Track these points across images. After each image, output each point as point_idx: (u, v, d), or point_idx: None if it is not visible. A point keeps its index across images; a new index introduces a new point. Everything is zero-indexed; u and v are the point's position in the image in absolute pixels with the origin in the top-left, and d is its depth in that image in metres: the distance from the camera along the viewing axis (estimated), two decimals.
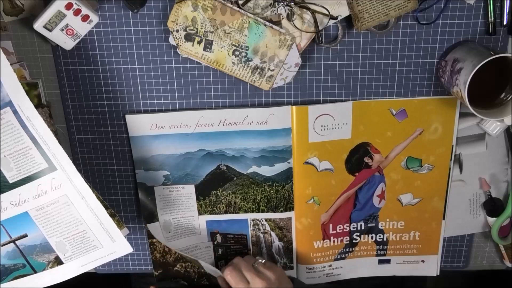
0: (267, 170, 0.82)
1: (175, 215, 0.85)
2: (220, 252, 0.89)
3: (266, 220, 0.86)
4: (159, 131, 0.79)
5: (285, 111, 0.78)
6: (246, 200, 0.84)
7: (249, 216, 0.85)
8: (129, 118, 0.78)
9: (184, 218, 0.86)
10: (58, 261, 0.75)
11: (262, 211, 0.85)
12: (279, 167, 0.81)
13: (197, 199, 0.84)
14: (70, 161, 0.69)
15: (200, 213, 0.85)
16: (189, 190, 0.83)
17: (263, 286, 0.78)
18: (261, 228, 0.86)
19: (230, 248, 0.88)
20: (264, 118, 0.78)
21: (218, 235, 0.88)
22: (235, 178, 0.82)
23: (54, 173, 0.70)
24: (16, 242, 0.74)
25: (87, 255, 0.75)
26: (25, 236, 0.74)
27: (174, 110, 0.79)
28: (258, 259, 0.82)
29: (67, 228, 0.73)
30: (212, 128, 0.78)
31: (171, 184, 0.83)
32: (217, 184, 0.83)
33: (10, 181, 0.70)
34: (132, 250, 0.75)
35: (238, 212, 0.85)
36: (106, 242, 0.74)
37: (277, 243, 0.88)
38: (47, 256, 0.75)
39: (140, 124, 0.78)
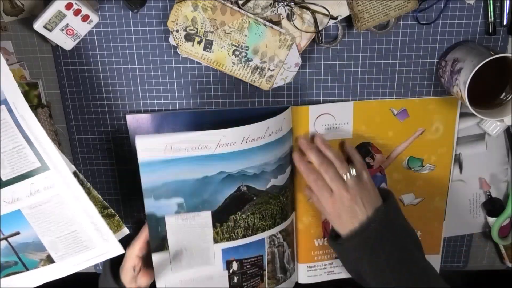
0: (281, 179, 0.77)
1: (189, 246, 0.76)
2: (235, 280, 0.81)
3: (280, 232, 0.81)
4: (174, 154, 0.70)
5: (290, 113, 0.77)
6: (264, 218, 0.78)
7: (266, 234, 0.79)
8: (139, 140, 0.68)
9: (198, 249, 0.77)
10: (50, 260, 0.75)
11: (277, 224, 0.80)
12: (291, 172, 0.79)
13: (214, 226, 0.75)
14: (63, 161, 0.69)
15: (216, 241, 0.77)
16: (205, 219, 0.74)
17: (350, 203, 0.71)
18: (276, 242, 0.81)
19: (246, 273, 0.81)
20: (279, 125, 0.74)
21: (234, 262, 0.80)
22: (255, 198, 0.76)
23: (47, 172, 0.70)
24: (9, 239, 0.74)
25: (79, 255, 0.75)
26: (18, 233, 0.74)
27: (174, 109, 0.79)
28: (351, 171, 0.73)
29: (59, 227, 0.73)
30: (235, 147, 0.71)
31: (185, 212, 0.74)
32: (236, 207, 0.75)
33: (3, 179, 0.70)
34: (124, 251, 0.75)
35: (256, 233, 0.78)
36: (98, 243, 0.74)
37: (287, 251, 0.84)
38: (39, 254, 0.75)
39: (152, 147, 0.69)
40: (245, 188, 0.75)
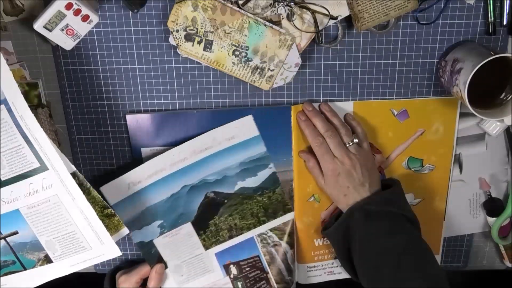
0: (252, 181, 0.81)
1: (184, 257, 0.83)
2: (239, 286, 0.86)
3: (271, 230, 0.84)
4: (137, 187, 0.78)
5: (247, 121, 0.78)
6: (244, 217, 0.82)
7: (253, 232, 0.83)
8: (105, 189, 0.77)
9: (193, 258, 0.84)
10: (47, 260, 0.75)
11: (263, 222, 0.83)
12: (263, 175, 0.81)
13: (198, 234, 0.82)
14: (62, 162, 0.69)
15: (206, 248, 0.83)
16: (187, 229, 0.81)
17: (349, 168, 0.75)
18: (269, 241, 0.84)
19: (248, 277, 0.85)
20: (230, 134, 0.78)
21: (231, 266, 0.85)
22: (226, 201, 0.81)
23: (45, 172, 0.70)
24: (7, 238, 0.75)
25: (76, 256, 0.75)
26: (16, 233, 0.74)
27: (174, 109, 0.79)
28: (354, 140, 0.76)
29: (57, 227, 0.73)
30: (186, 161, 0.78)
31: (168, 230, 0.81)
32: (212, 212, 0.82)
33: (2, 178, 0.70)
34: (121, 254, 0.75)
35: (241, 233, 0.83)
36: (95, 244, 0.74)
37: (290, 252, 0.86)
38: (37, 254, 0.75)
39: (116, 190, 0.77)
40: (212, 194, 0.81)
